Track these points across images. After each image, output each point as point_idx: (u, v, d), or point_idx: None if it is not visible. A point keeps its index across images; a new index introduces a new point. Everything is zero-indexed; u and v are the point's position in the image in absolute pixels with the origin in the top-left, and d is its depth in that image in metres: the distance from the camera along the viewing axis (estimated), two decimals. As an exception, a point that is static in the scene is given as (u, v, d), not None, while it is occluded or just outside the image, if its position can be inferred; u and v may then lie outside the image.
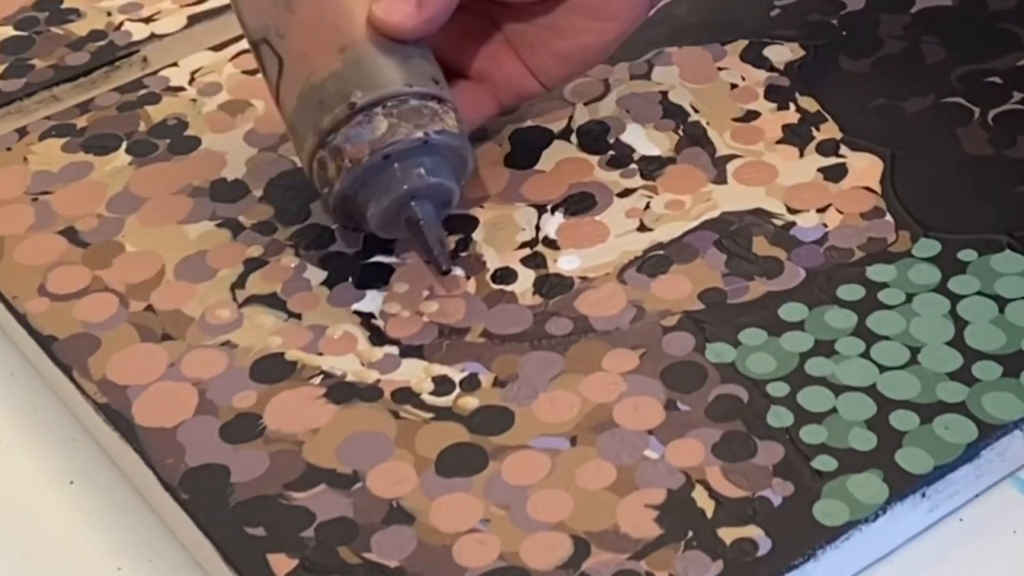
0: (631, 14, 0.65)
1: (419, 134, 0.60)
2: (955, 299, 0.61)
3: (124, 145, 0.72)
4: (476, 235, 0.66)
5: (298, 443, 0.58)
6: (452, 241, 0.65)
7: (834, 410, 0.57)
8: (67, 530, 0.58)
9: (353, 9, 0.61)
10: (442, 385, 0.60)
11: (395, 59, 0.61)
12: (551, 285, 0.63)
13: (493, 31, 0.65)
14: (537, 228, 0.66)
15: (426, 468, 0.57)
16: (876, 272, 0.62)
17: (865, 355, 0.59)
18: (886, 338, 0.60)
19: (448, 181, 0.62)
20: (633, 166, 0.68)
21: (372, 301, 0.63)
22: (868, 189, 0.66)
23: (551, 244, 0.65)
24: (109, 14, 0.80)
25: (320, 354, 0.61)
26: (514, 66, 0.65)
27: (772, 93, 0.72)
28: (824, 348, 0.59)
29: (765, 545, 0.53)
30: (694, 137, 0.70)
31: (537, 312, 0.62)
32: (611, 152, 0.69)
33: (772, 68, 0.73)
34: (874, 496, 0.54)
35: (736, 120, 0.70)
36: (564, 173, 0.68)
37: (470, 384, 0.59)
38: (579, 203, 0.67)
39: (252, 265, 0.65)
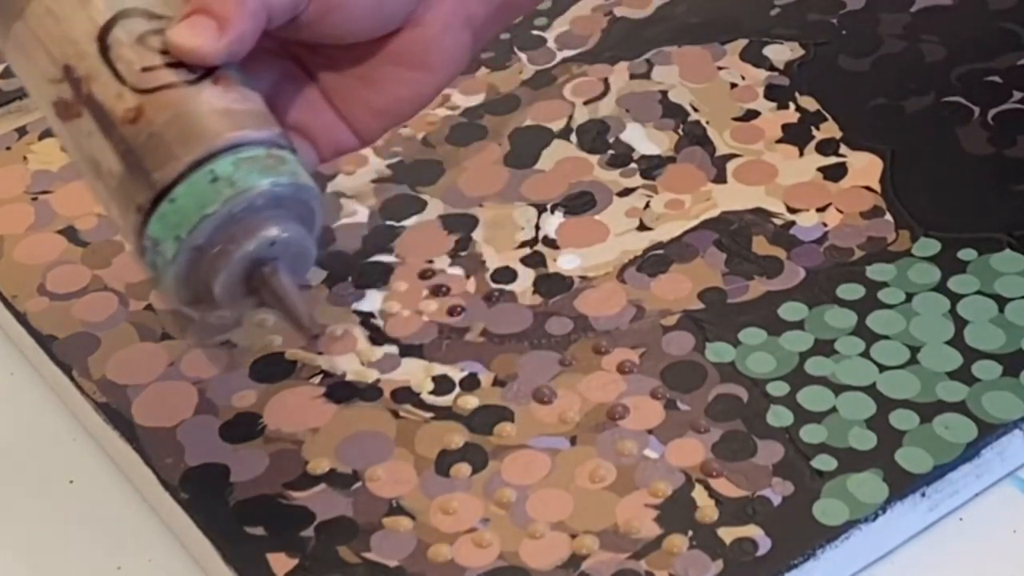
0: (451, 65, 0.59)
1: (264, 184, 0.52)
2: (955, 298, 0.61)
3: (124, 144, 0.72)
4: (476, 234, 0.66)
5: (298, 442, 0.58)
6: (452, 240, 0.65)
7: (834, 409, 0.57)
8: (67, 530, 0.58)
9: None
10: (442, 384, 0.60)
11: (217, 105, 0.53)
12: (551, 284, 0.63)
13: (308, 80, 0.59)
14: (537, 227, 0.66)
15: (426, 468, 0.57)
16: (876, 271, 0.62)
17: (865, 354, 0.59)
18: (886, 337, 0.60)
19: (299, 233, 0.53)
20: (633, 165, 0.68)
21: (372, 300, 0.63)
22: (868, 188, 0.66)
23: (551, 243, 0.65)
24: (109, 13, 0.80)
25: (320, 353, 0.61)
26: (330, 118, 0.59)
27: (772, 92, 0.72)
28: (824, 347, 0.59)
29: (765, 545, 0.53)
30: (694, 136, 0.70)
31: (537, 311, 0.62)
32: (611, 151, 0.69)
33: (772, 67, 0.73)
34: (874, 495, 0.54)
35: (736, 119, 0.70)
36: (564, 172, 0.68)
37: (470, 383, 0.59)
38: (579, 202, 0.67)
39: (252, 264, 0.65)
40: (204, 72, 0.53)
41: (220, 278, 0.53)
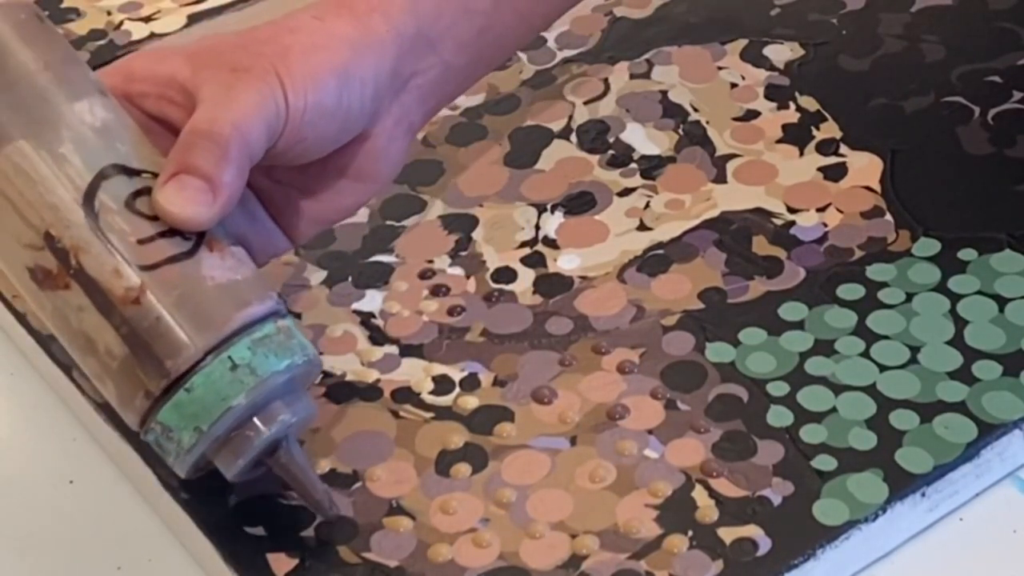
0: (392, 172, 0.59)
1: (282, 367, 0.52)
2: (955, 298, 0.61)
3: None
4: (476, 234, 0.66)
5: (298, 442, 0.58)
6: (452, 240, 0.65)
7: (834, 409, 0.57)
8: (67, 530, 0.58)
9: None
10: (442, 384, 0.60)
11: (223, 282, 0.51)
12: (551, 284, 0.63)
13: (248, 191, 0.57)
14: (537, 227, 0.66)
15: (426, 468, 0.57)
16: (876, 271, 0.62)
17: (865, 354, 0.59)
18: (886, 337, 0.60)
19: (309, 407, 0.54)
20: (633, 165, 0.68)
21: (372, 300, 0.63)
22: (868, 188, 0.66)
23: (551, 243, 0.65)
24: (109, 13, 0.80)
25: (320, 353, 0.61)
26: (267, 226, 0.58)
27: (772, 92, 0.72)
28: (824, 347, 0.59)
29: (765, 544, 0.53)
30: (694, 136, 0.70)
31: (537, 311, 0.62)
32: (611, 151, 0.69)
33: (772, 67, 0.73)
34: (874, 496, 0.54)
35: (736, 119, 0.70)
36: (564, 172, 0.68)
37: (470, 383, 0.59)
38: (579, 202, 0.67)
39: (252, 264, 0.65)
40: (198, 238, 0.52)
41: (238, 463, 0.52)
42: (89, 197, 0.51)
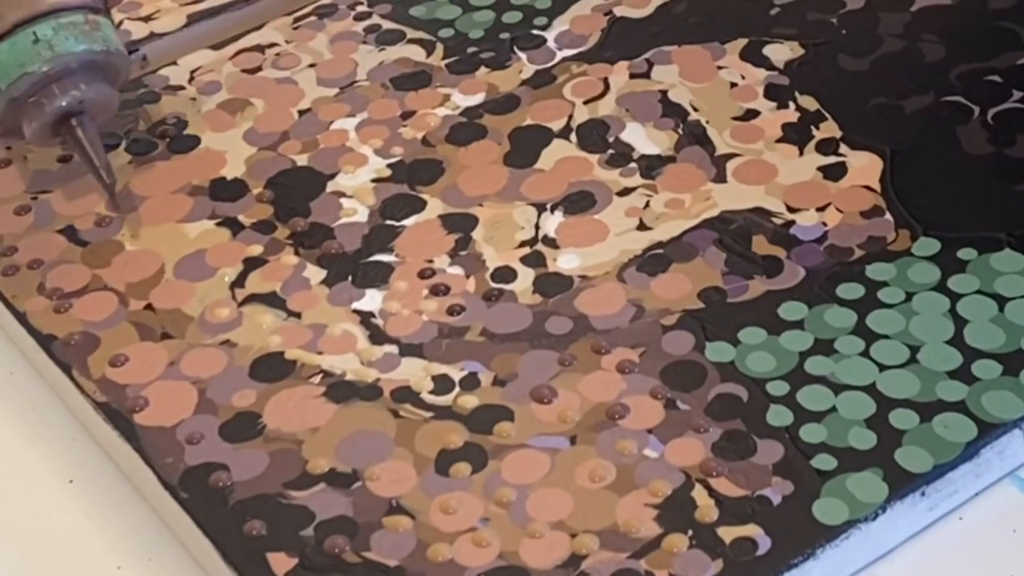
0: None
1: (79, 49, 0.63)
2: (955, 298, 0.61)
3: (123, 144, 0.72)
4: (475, 234, 0.66)
5: (297, 442, 0.58)
6: (452, 240, 0.65)
7: (834, 409, 0.57)
8: (67, 530, 0.58)
9: None
10: (442, 384, 0.60)
11: None
12: (551, 284, 0.63)
13: None
14: (537, 227, 0.66)
15: (426, 467, 0.57)
16: (876, 271, 0.62)
17: (865, 354, 0.59)
18: (886, 337, 0.60)
19: (105, 92, 0.66)
20: (633, 165, 0.68)
21: (371, 300, 0.63)
22: (868, 188, 0.66)
23: (551, 243, 0.65)
24: (108, 13, 0.80)
25: (320, 353, 0.61)
26: None
27: (772, 92, 0.72)
28: (824, 347, 0.59)
29: (765, 544, 0.53)
30: (694, 136, 0.70)
31: (537, 311, 0.62)
32: (611, 151, 0.69)
33: (772, 67, 0.73)
34: (874, 495, 0.54)
35: (736, 119, 0.70)
36: (564, 172, 0.68)
37: (470, 383, 0.59)
38: (579, 202, 0.67)
39: (252, 264, 0.65)
40: None
41: (32, 125, 0.65)
42: None
